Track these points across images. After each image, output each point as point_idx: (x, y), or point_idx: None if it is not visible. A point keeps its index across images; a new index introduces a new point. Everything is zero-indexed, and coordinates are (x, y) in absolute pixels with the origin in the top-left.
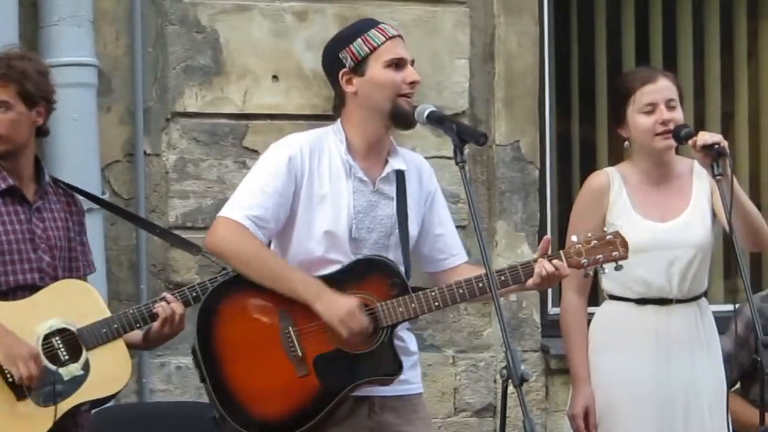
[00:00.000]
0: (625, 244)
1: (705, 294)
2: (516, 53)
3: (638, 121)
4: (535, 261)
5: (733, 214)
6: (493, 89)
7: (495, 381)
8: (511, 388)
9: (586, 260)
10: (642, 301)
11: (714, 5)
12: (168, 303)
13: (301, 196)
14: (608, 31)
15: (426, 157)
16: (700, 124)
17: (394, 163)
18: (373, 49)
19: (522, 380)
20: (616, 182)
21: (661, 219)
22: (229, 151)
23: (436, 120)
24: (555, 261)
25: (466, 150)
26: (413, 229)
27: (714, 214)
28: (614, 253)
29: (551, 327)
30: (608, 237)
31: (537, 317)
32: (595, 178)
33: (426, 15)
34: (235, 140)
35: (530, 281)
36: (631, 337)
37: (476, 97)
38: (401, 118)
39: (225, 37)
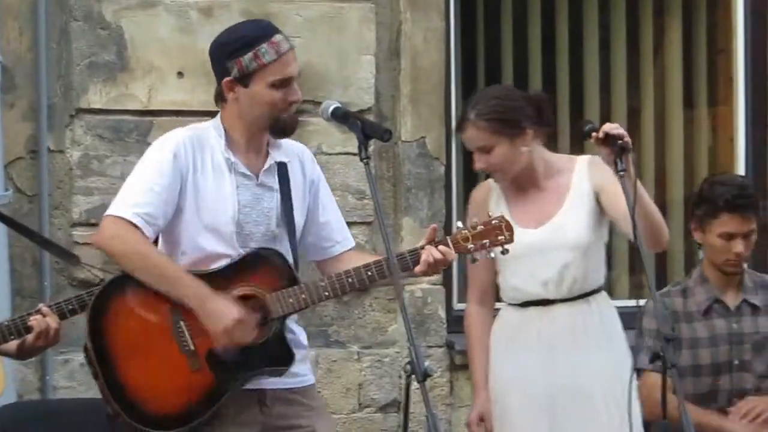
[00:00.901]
0: (509, 227)
1: (599, 290)
2: (422, 49)
3: None
4: (423, 248)
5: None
6: (399, 85)
7: (400, 377)
8: (415, 384)
9: (472, 245)
10: (524, 304)
11: (620, 1)
12: (43, 316)
13: (187, 192)
14: (514, 27)
15: (331, 154)
16: (606, 120)
17: (275, 155)
18: (262, 67)
19: (425, 376)
20: (495, 193)
21: (534, 225)
22: (134, 147)
23: (341, 116)
24: (442, 247)
25: (372, 146)
26: (299, 220)
27: (602, 212)
28: (500, 237)
29: (456, 323)
30: (494, 222)
31: (442, 313)
32: (476, 191)
33: (332, 11)
34: (139, 137)
35: (418, 268)
36: (516, 339)
37: (382, 93)
38: (280, 132)
39: (130, 34)
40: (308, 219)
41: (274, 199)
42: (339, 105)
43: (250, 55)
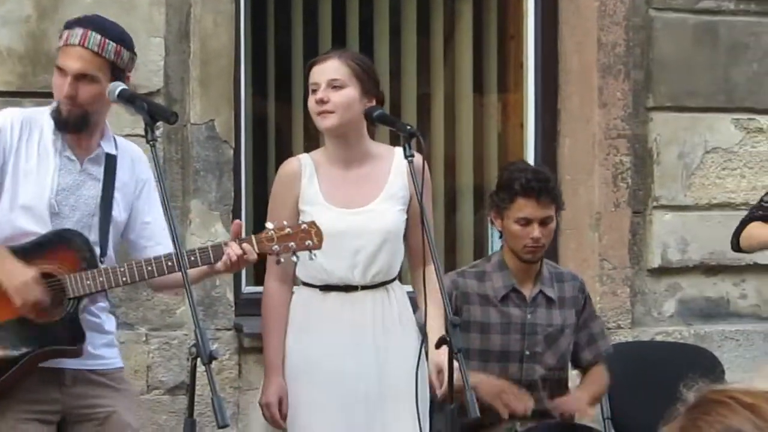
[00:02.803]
0: (319, 234)
1: (395, 278)
2: (212, 32)
3: (309, 100)
4: (226, 244)
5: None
6: (189, 68)
7: (188, 359)
8: (201, 367)
9: (277, 246)
10: (326, 288)
11: None
12: None
13: (7, 169)
14: (305, 11)
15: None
16: (396, 106)
17: (106, 147)
18: (59, 48)
19: (211, 358)
20: (308, 169)
21: (348, 207)
22: None
23: (127, 98)
24: (245, 245)
25: (160, 129)
26: (118, 214)
27: (410, 205)
28: (307, 242)
29: (245, 306)
30: (303, 226)
31: (231, 296)
32: (287, 166)
33: None
34: None
35: (219, 263)
36: (316, 323)
37: (171, 76)
38: (58, 124)
39: None
40: (131, 217)
41: (95, 188)
42: (125, 86)
43: (65, 33)
